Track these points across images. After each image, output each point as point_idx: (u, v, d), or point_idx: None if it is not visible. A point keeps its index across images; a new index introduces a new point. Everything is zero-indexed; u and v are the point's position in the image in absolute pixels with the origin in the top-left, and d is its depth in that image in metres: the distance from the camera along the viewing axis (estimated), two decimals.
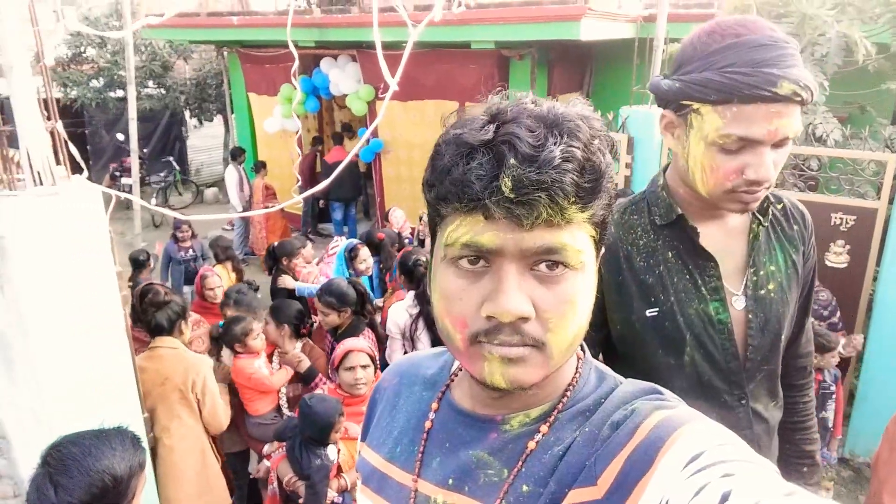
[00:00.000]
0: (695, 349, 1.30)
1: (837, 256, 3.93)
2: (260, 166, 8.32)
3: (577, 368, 0.77)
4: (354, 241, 4.58)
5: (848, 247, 3.90)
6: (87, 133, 12.16)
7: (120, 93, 10.67)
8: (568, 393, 0.74)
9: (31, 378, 2.20)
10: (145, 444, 1.89)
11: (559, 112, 0.63)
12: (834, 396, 3.49)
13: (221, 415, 2.93)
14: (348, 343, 2.83)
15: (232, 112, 10.21)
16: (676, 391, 0.74)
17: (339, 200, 8.52)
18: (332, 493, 2.51)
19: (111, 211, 2.47)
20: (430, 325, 3.37)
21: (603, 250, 0.72)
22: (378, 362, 2.92)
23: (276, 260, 4.62)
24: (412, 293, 3.46)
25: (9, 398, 2.22)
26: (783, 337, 1.36)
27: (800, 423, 1.56)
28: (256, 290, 4.31)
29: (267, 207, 7.13)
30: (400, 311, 3.45)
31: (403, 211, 6.17)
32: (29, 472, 1.61)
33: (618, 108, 4.80)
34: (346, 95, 7.98)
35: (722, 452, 0.58)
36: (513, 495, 0.69)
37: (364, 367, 2.75)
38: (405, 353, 3.41)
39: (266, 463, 2.75)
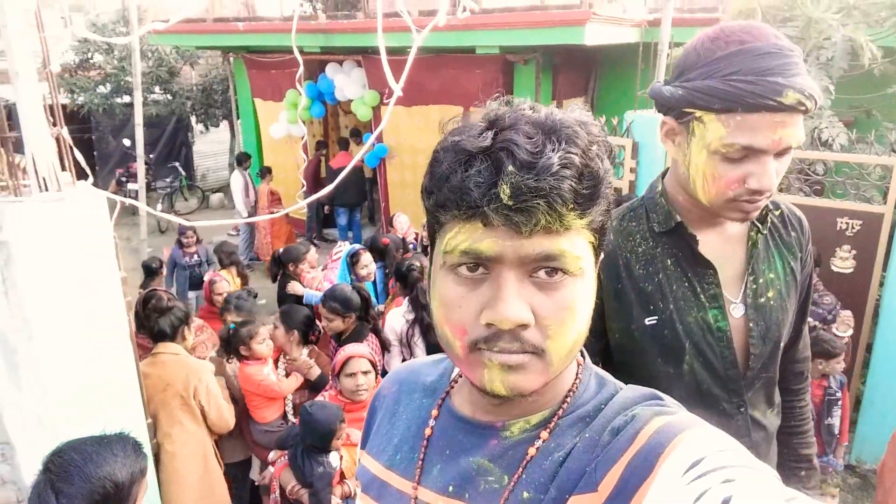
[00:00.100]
0: (694, 357, 1.29)
1: (843, 261, 3.91)
2: (265, 172, 8.35)
3: (577, 374, 0.77)
4: (357, 246, 4.59)
5: (854, 252, 3.88)
6: (93, 139, 12.23)
7: (126, 98, 10.72)
8: (568, 399, 0.74)
9: (35, 382, 2.21)
10: (147, 450, 1.90)
11: (557, 118, 0.63)
12: (840, 403, 3.47)
13: (227, 415, 2.94)
14: (349, 349, 2.83)
15: (238, 117, 10.25)
16: (675, 399, 0.73)
17: (344, 206, 8.54)
18: (335, 500, 2.50)
19: (116, 216, 2.48)
20: (425, 332, 3.37)
21: (602, 256, 0.72)
22: (379, 368, 2.92)
23: (283, 266, 4.62)
24: (409, 298, 3.47)
25: (13, 402, 2.23)
26: (782, 344, 1.36)
27: (797, 427, 1.55)
28: (255, 297, 4.31)
29: (272, 213, 7.15)
30: (397, 317, 3.45)
31: (408, 216, 6.18)
32: (32, 477, 1.61)
33: (622, 112, 4.80)
34: (351, 101, 8.00)
35: (722, 458, 0.57)
36: (513, 502, 0.69)
37: (365, 373, 2.74)
38: (403, 359, 3.41)
39: (271, 470, 2.75)
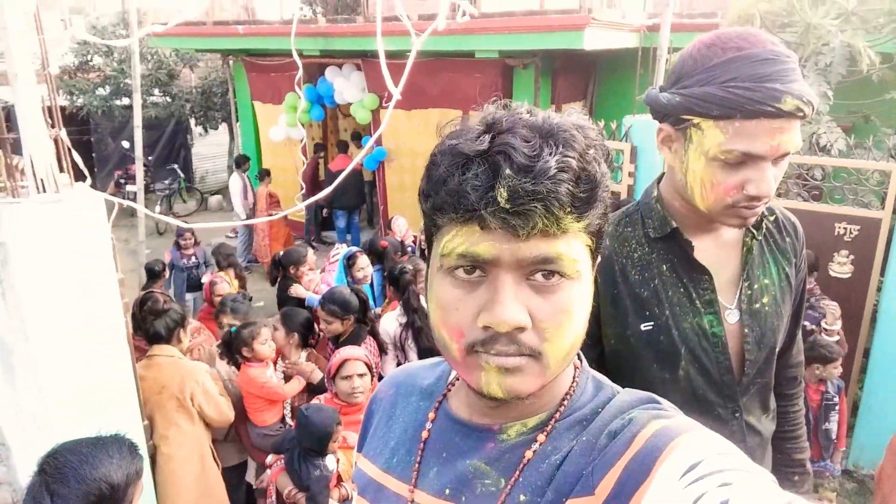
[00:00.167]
0: (689, 363, 1.29)
1: (841, 266, 3.91)
2: (264, 174, 8.36)
3: (574, 378, 0.77)
4: (354, 248, 4.58)
5: (852, 257, 3.88)
6: (92, 140, 12.24)
7: (126, 101, 10.71)
8: (565, 402, 0.74)
9: (31, 384, 2.20)
10: (143, 451, 1.89)
11: (554, 122, 0.63)
12: (837, 408, 3.47)
13: (226, 409, 2.94)
14: (344, 352, 2.82)
15: (237, 120, 10.25)
16: None
17: (343, 208, 8.55)
18: (333, 503, 2.50)
19: (114, 218, 2.48)
20: (416, 335, 3.36)
21: (599, 259, 0.72)
22: (375, 371, 2.91)
23: (283, 269, 4.60)
24: (401, 302, 3.47)
25: (9, 403, 2.23)
26: (777, 350, 1.36)
27: (790, 432, 1.55)
28: (250, 300, 4.31)
29: (270, 215, 7.15)
30: (390, 320, 3.45)
31: (406, 219, 6.18)
32: (28, 479, 1.61)
33: (621, 117, 4.81)
34: (350, 104, 8.01)
35: (719, 462, 0.57)
36: None
37: (361, 375, 2.73)
38: (397, 362, 3.40)
39: (269, 473, 2.74)
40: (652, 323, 1.29)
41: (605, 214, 0.67)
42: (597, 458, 0.66)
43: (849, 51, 3.93)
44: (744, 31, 1.12)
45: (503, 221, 0.60)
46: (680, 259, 1.29)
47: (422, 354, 3.32)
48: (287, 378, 3.27)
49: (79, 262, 2.24)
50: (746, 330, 1.30)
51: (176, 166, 12.20)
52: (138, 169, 6.42)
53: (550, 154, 0.60)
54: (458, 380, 0.84)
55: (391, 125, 7.18)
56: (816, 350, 3.38)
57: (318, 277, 4.62)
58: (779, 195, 3.99)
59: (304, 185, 8.45)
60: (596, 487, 0.64)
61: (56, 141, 2.30)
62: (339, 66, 8.01)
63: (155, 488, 2.74)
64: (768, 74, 1.05)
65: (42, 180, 2.21)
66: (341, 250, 4.56)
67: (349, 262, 4.34)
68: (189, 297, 6.09)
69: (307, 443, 2.46)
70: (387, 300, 4.28)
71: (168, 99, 11.61)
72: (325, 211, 9.00)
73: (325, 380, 2.87)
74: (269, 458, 2.80)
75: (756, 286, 1.32)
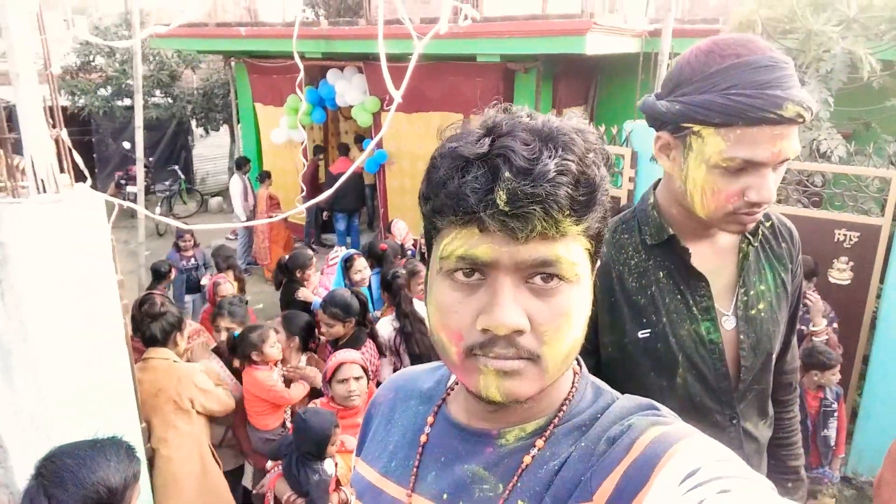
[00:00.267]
0: (687, 370, 1.29)
1: (841, 273, 3.91)
2: (265, 176, 8.36)
3: (573, 383, 0.77)
4: (352, 251, 4.58)
5: (851, 263, 3.88)
6: (93, 141, 12.25)
7: (127, 101, 10.73)
8: (564, 407, 0.74)
9: (31, 384, 2.20)
10: (141, 454, 1.89)
11: (554, 125, 0.63)
12: (836, 414, 3.47)
13: (226, 398, 2.95)
14: (340, 355, 2.80)
15: (238, 122, 10.26)
16: None
17: (343, 211, 8.55)
18: None
19: (114, 219, 2.48)
20: (406, 340, 3.34)
21: (599, 263, 0.72)
22: (372, 373, 2.90)
23: (290, 273, 4.59)
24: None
25: (8, 405, 2.22)
26: (774, 356, 1.36)
27: (785, 438, 1.55)
28: (246, 303, 4.30)
29: (271, 217, 7.14)
30: (385, 325, 3.45)
31: (406, 222, 6.18)
32: (25, 481, 1.60)
33: (622, 121, 4.81)
34: (351, 106, 8.02)
35: (719, 468, 0.57)
36: None
37: (357, 378, 2.72)
38: (393, 366, 3.39)
39: (269, 477, 2.72)
40: (649, 330, 1.28)
41: (604, 218, 0.67)
42: (595, 464, 0.66)
43: (850, 58, 3.93)
44: (741, 38, 1.12)
45: (502, 224, 0.60)
46: (677, 266, 1.29)
47: (413, 360, 3.31)
48: (287, 382, 3.25)
49: (78, 262, 2.24)
50: (742, 336, 1.30)
51: (177, 167, 12.21)
52: (139, 170, 6.42)
53: (550, 157, 0.60)
54: (457, 384, 0.83)
55: (392, 128, 7.18)
56: (815, 357, 3.38)
57: (316, 279, 4.62)
58: (779, 201, 3.99)
59: (304, 188, 8.45)
60: (594, 493, 0.63)
61: (57, 141, 2.30)
62: (341, 68, 8.02)
63: (154, 491, 2.73)
64: (768, 81, 1.05)
65: (42, 181, 2.21)
66: (340, 253, 4.55)
67: (347, 264, 4.34)
68: (188, 298, 6.09)
69: (305, 447, 2.45)
70: (385, 304, 4.27)
71: (169, 100, 11.63)
72: (325, 213, 9.00)
73: (322, 383, 2.86)
74: (270, 464, 2.79)
75: (752, 292, 1.32)
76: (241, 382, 3.17)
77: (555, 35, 5.79)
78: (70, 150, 2.38)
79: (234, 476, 3.30)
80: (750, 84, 1.06)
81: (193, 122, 12.54)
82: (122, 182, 11.11)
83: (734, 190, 1.13)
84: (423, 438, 0.80)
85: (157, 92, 11.47)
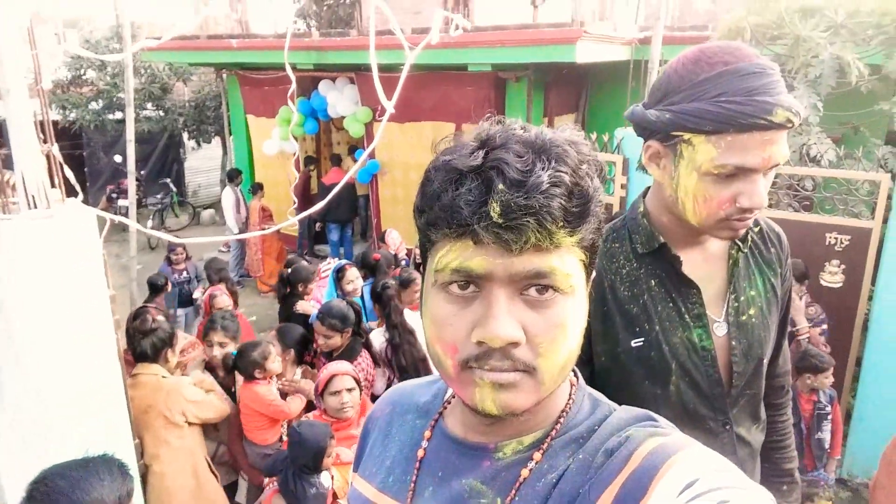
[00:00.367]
0: (680, 377, 1.29)
1: (832, 276, 3.93)
2: (257, 188, 8.34)
3: (570, 395, 0.76)
4: (343, 261, 4.57)
5: (843, 266, 3.91)
6: (85, 155, 12.19)
7: (119, 115, 10.71)
8: (561, 420, 0.73)
9: (22, 401, 2.18)
10: (134, 471, 1.86)
11: (547, 137, 0.63)
12: (830, 417, 3.48)
13: (220, 403, 2.93)
14: (332, 367, 2.78)
15: (230, 134, 10.25)
16: None
17: (336, 222, 8.53)
18: None
19: (106, 233, 2.47)
20: (395, 352, 3.32)
21: (594, 274, 0.72)
22: (368, 385, 2.87)
23: (291, 286, 4.57)
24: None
25: None
26: (765, 361, 1.36)
27: (778, 442, 1.55)
28: (233, 318, 4.28)
29: (263, 229, 7.12)
30: (377, 336, 3.43)
31: (400, 232, 6.17)
32: (16, 501, 1.58)
33: (613, 129, 4.84)
34: (343, 117, 8.03)
35: (717, 479, 0.57)
36: None
37: (349, 390, 2.70)
38: (386, 377, 3.37)
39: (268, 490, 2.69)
40: (642, 339, 1.28)
41: (598, 229, 0.67)
42: (593, 476, 0.65)
43: (838, 63, 3.96)
44: (727, 45, 1.12)
45: (496, 236, 0.60)
46: (668, 274, 1.29)
47: (401, 373, 3.29)
48: (282, 395, 3.23)
49: (70, 278, 2.23)
50: (734, 342, 1.30)
51: (168, 180, 12.16)
52: (130, 183, 6.39)
53: (543, 169, 0.60)
54: (454, 397, 0.83)
55: (384, 138, 7.17)
56: (807, 360, 3.39)
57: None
58: (770, 206, 4.01)
59: (296, 199, 8.44)
60: None
61: (48, 156, 2.29)
62: (333, 79, 8.03)
63: None
64: (757, 87, 1.06)
65: (33, 196, 2.19)
66: (332, 264, 4.54)
67: (338, 275, 4.33)
68: (180, 311, 6.05)
69: (301, 460, 2.43)
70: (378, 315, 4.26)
71: (161, 113, 11.60)
72: (318, 224, 8.97)
73: (314, 396, 2.84)
74: (267, 480, 2.76)
75: (743, 298, 1.32)
76: (231, 398, 3.15)
77: (545, 44, 5.81)
78: (61, 165, 2.37)
79: (227, 492, 3.25)
80: (739, 91, 1.07)
81: (185, 135, 12.51)
82: (114, 195, 11.05)
83: (726, 196, 1.13)
84: (420, 453, 0.80)
85: (149, 105, 11.45)
